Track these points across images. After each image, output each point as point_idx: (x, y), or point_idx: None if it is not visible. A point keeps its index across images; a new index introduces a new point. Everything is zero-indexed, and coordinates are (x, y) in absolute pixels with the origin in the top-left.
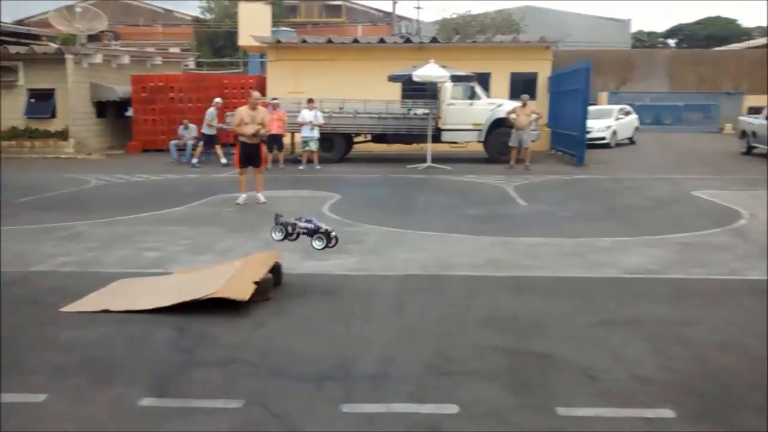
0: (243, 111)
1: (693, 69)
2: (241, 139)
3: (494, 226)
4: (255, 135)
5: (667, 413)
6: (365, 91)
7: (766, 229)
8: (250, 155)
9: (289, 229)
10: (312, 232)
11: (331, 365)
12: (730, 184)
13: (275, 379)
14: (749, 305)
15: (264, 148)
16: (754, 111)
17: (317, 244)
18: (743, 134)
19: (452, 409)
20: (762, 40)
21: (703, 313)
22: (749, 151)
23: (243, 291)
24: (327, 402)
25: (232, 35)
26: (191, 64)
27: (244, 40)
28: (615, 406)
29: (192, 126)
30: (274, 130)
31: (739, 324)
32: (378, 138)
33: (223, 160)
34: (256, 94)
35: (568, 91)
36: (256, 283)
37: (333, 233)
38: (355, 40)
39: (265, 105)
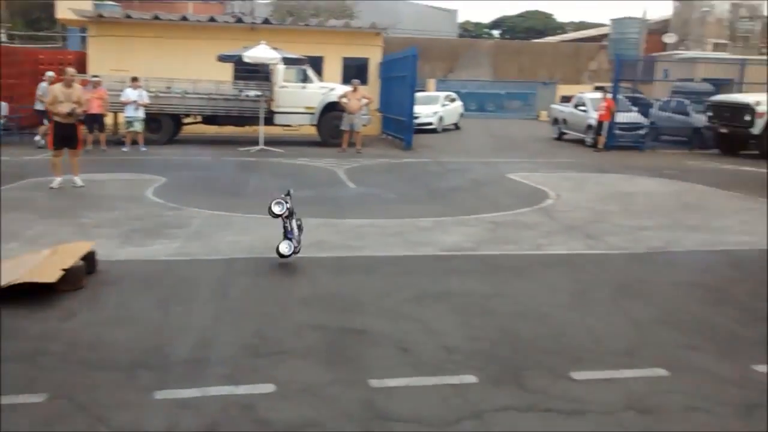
0: (57, 89)
1: (514, 59)
2: (56, 118)
3: (323, 209)
4: (70, 114)
5: (471, 379)
6: (195, 70)
7: (569, 208)
8: (65, 136)
9: (286, 211)
10: (288, 235)
11: (145, 353)
12: (541, 167)
13: (83, 370)
14: (549, 277)
15: (82, 129)
16: (566, 99)
17: (284, 247)
18: (555, 121)
19: (268, 388)
20: (573, 35)
21: (509, 285)
22: (560, 137)
23: (50, 275)
24: (138, 390)
25: (49, 7)
26: (2, 36)
27: (63, 12)
28: (424, 375)
29: (2, 104)
30: (94, 110)
31: (538, 294)
32: (209, 120)
33: (41, 141)
34: (71, 70)
35: (397, 77)
36: (64, 270)
37: (298, 252)
38: (184, 18)
39: (84, 83)
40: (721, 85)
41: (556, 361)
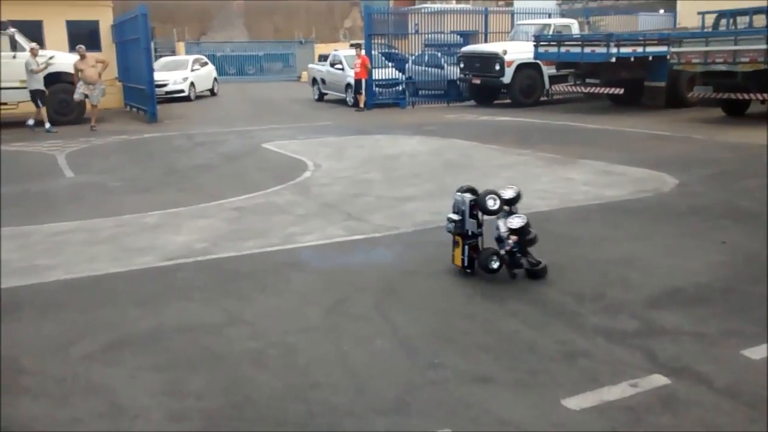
0: None
1: (268, 19)
2: None
3: (20, 210)
4: None
5: None
6: None
7: (328, 180)
8: None
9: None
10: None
11: None
12: (300, 132)
13: None
14: (300, 284)
15: None
16: (324, 59)
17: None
18: (314, 81)
19: None
20: None
21: (247, 305)
22: (321, 98)
23: None
24: None
25: None
26: None
27: None
28: None
29: None
30: None
31: (284, 314)
32: None
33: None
34: None
35: (132, 40)
36: None
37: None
38: None
39: None
40: (469, 36)
41: None
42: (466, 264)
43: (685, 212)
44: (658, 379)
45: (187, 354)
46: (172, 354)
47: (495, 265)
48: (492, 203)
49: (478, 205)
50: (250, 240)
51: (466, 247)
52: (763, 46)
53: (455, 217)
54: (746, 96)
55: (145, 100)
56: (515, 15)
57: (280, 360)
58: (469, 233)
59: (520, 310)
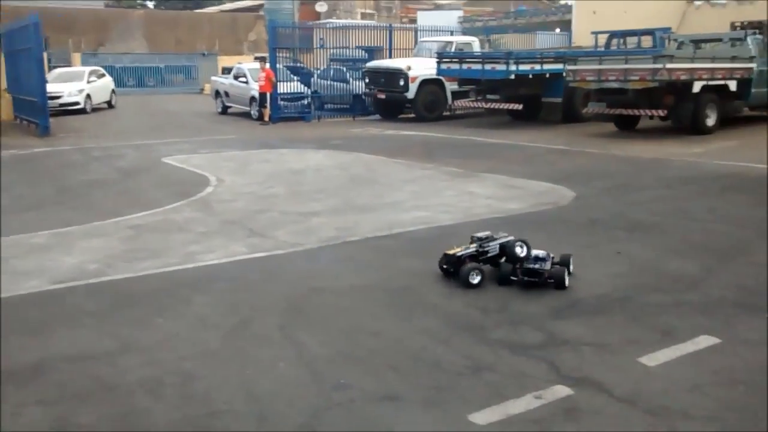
0: None
1: (170, 30)
2: None
3: None
4: None
5: None
6: None
7: (231, 196)
8: None
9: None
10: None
11: None
12: (203, 146)
13: None
14: (199, 306)
15: None
16: (227, 71)
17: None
18: (217, 94)
19: None
20: (230, 5)
21: (142, 330)
22: (225, 111)
23: None
24: None
25: None
26: None
27: None
28: None
29: None
30: None
31: (182, 339)
32: None
33: None
34: None
35: (23, 50)
36: None
37: None
38: None
39: None
40: (374, 51)
41: None
42: (449, 261)
43: (583, 224)
44: (561, 390)
45: (76, 386)
46: (59, 387)
47: (475, 280)
48: (519, 250)
49: (507, 247)
50: (147, 260)
51: (469, 249)
52: (651, 66)
53: (495, 235)
54: (636, 112)
55: (36, 112)
56: (419, 32)
57: (177, 388)
58: (484, 248)
59: (426, 325)
